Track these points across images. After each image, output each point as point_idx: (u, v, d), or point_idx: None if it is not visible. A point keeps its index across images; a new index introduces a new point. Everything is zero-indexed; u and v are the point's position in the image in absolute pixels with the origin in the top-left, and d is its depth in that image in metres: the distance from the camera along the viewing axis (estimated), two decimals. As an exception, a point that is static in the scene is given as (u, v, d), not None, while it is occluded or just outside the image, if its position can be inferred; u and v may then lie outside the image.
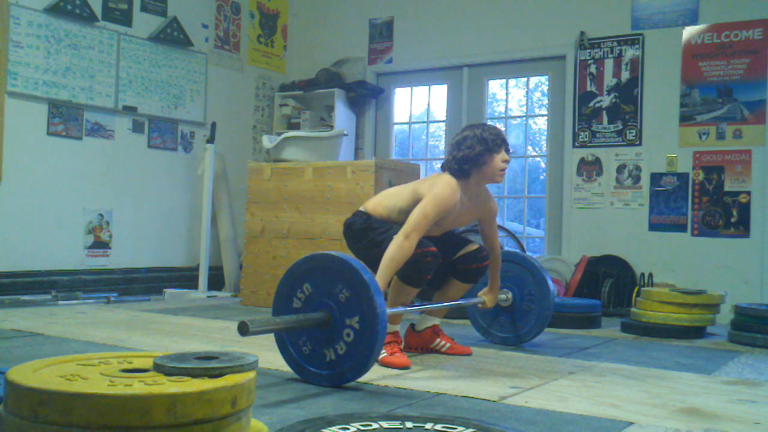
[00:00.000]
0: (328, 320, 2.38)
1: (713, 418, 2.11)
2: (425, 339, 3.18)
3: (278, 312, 2.52)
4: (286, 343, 2.50)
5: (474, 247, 3.14)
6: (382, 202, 3.06)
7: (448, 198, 2.88)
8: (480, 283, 3.34)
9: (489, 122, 6.13)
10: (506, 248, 5.48)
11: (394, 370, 2.74)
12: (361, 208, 3.10)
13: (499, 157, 2.96)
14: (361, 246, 3.04)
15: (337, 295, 2.38)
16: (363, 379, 2.53)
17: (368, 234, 2.99)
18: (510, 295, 3.47)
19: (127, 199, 5.49)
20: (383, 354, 2.83)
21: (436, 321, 3.20)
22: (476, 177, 2.97)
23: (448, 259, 3.10)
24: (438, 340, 3.17)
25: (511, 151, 3.06)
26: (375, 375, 2.62)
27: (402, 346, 2.95)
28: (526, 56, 5.77)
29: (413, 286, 2.91)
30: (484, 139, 2.93)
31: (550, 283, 3.42)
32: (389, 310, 2.54)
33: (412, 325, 3.23)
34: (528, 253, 3.66)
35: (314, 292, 2.45)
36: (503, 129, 6.16)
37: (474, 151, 2.91)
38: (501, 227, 5.64)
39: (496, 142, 2.95)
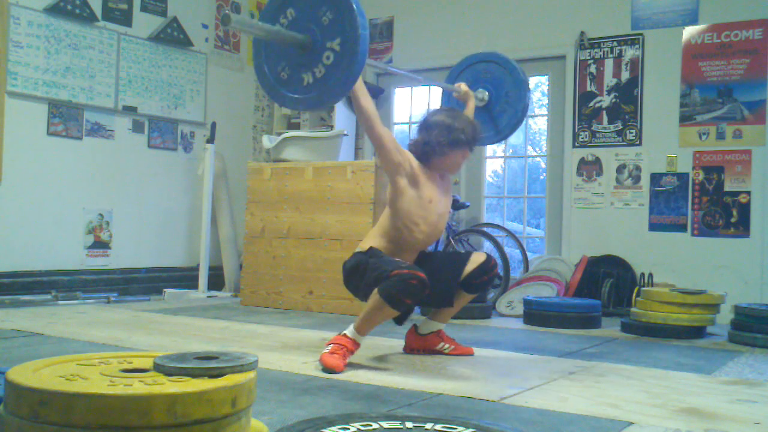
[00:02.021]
0: (309, 43, 2.40)
1: (713, 418, 2.11)
2: (429, 342, 3.15)
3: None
4: (263, 69, 2.54)
5: (482, 258, 3.05)
6: (372, 232, 3.03)
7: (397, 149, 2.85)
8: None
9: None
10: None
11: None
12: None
13: (460, 153, 2.96)
14: (355, 282, 2.93)
15: (320, 18, 2.39)
16: (363, 379, 2.53)
17: (357, 271, 2.89)
18: (486, 94, 3.49)
19: (127, 199, 5.49)
20: (327, 349, 2.74)
21: (442, 326, 3.16)
22: (435, 164, 2.97)
23: (456, 280, 3.01)
24: (441, 343, 3.15)
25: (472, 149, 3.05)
26: (375, 375, 2.62)
27: (351, 355, 2.77)
28: (526, 56, 5.75)
29: (393, 306, 2.69)
30: (452, 129, 2.91)
31: (527, 84, 3.50)
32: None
33: (415, 327, 3.19)
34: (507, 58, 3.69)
35: (298, 16, 2.47)
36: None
37: (432, 136, 2.90)
38: (501, 227, 5.65)
39: (462, 140, 2.92)
